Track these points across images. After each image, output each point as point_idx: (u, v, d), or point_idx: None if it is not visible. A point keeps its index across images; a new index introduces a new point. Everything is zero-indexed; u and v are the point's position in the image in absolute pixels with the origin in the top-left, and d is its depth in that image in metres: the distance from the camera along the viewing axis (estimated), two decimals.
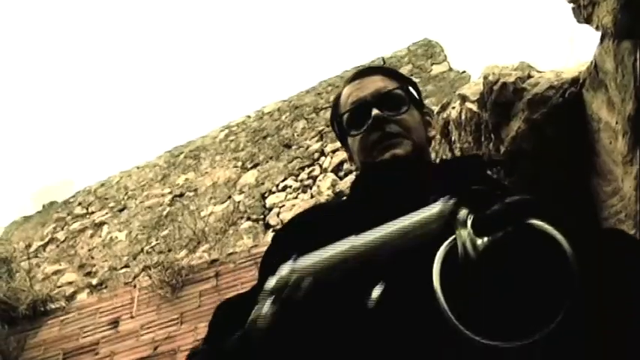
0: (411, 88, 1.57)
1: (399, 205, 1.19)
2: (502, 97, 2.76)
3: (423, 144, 1.50)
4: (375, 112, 1.43)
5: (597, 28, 2.26)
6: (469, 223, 0.91)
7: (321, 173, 6.82)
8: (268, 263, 1.28)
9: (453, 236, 0.92)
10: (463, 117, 3.24)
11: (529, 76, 2.77)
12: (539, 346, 0.84)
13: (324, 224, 1.26)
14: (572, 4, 2.39)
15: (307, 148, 7.23)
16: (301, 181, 6.96)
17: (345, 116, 1.53)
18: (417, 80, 7.54)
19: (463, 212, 0.93)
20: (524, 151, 2.70)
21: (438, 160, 3.99)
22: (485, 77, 2.87)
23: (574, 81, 2.58)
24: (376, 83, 1.52)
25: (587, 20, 2.30)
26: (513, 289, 0.90)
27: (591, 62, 2.42)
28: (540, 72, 2.87)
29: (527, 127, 2.66)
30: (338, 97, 1.63)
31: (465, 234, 0.90)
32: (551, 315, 0.84)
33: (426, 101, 6.72)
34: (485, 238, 0.89)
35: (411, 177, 1.36)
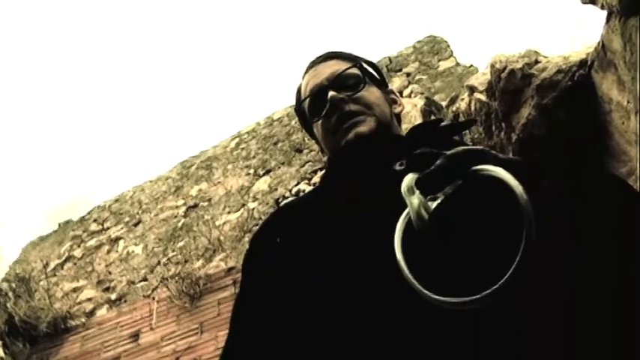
0: (367, 66, 1.55)
1: (372, 186, 1.18)
2: (510, 85, 2.74)
3: (388, 120, 1.45)
4: (331, 94, 1.40)
5: (602, 7, 2.23)
6: (414, 185, 0.88)
7: None
8: (256, 274, 1.23)
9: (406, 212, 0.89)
10: (472, 108, 3.22)
11: (536, 62, 2.74)
12: (500, 301, 0.78)
13: (317, 230, 1.18)
14: None
15: (318, 151, 7.21)
16: (314, 184, 6.94)
17: (305, 104, 1.51)
18: (424, 77, 7.55)
19: (409, 177, 0.90)
20: (535, 136, 2.68)
21: None
22: (493, 66, 2.85)
23: (582, 63, 2.55)
24: (331, 67, 1.50)
25: (592, 0, 2.28)
26: (474, 244, 0.87)
27: (598, 43, 2.40)
28: (547, 57, 2.84)
29: (537, 113, 2.63)
30: (299, 89, 1.60)
31: (415, 200, 0.86)
32: (504, 268, 0.79)
33: (435, 97, 6.71)
34: (437, 200, 0.85)
35: (379, 153, 1.31)
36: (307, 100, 1.50)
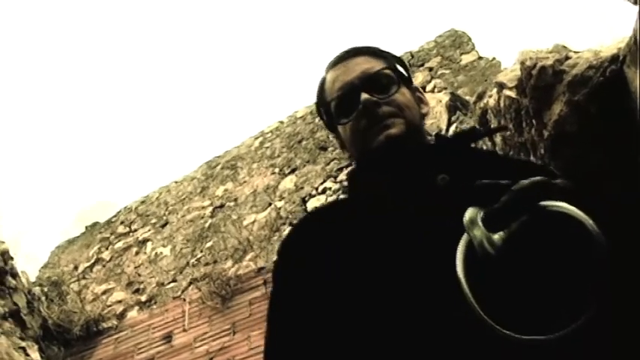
0: (398, 66, 1.50)
1: (411, 194, 1.18)
2: (541, 81, 2.73)
3: (417, 122, 1.42)
4: (364, 96, 1.35)
5: (635, 2, 2.22)
6: (480, 222, 0.87)
7: None
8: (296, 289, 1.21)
9: (465, 235, 0.88)
10: (502, 104, 3.21)
11: (567, 58, 2.73)
12: (571, 339, 0.79)
13: (356, 240, 1.17)
14: None
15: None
16: (340, 182, 6.94)
17: (333, 103, 1.45)
18: (447, 72, 7.53)
19: (471, 212, 0.89)
20: (568, 133, 2.67)
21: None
22: (523, 63, 2.84)
23: (614, 58, 2.53)
24: (362, 65, 1.45)
25: None
26: (542, 279, 0.86)
27: (630, 37, 2.38)
28: (577, 52, 2.83)
29: (569, 110, 2.62)
30: (322, 84, 1.54)
31: (478, 234, 0.86)
32: (583, 303, 0.79)
33: (459, 91, 6.69)
34: (502, 233, 0.84)
35: (409, 157, 1.31)
36: (335, 99, 1.45)
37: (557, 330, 0.79)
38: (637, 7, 2.25)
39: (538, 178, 0.89)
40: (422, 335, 0.96)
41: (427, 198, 1.13)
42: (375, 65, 1.44)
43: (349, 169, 6.49)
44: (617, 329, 0.87)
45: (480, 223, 0.87)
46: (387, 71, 1.44)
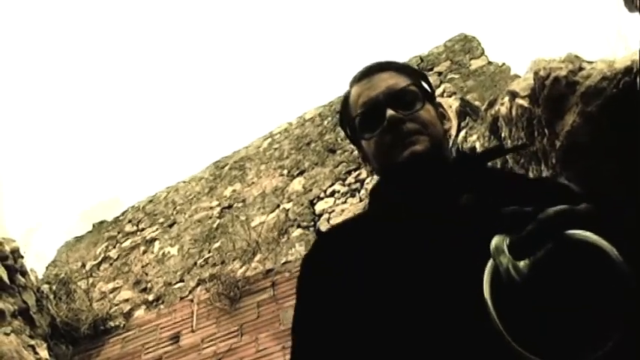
0: (423, 83, 1.51)
1: (435, 212, 1.20)
2: (555, 92, 2.74)
3: (441, 138, 1.43)
4: (389, 112, 1.36)
5: None
6: (505, 249, 0.89)
7: (368, 176, 6.81)
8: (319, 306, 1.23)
9: (491, 261, 0.90)
10: (514, 113, 3.22)
11: (580, 69, 2.75)
12: None
13: (378, 254, 1.19)
14: None
15: (352, 152, 7.22)
16: (349, 185, 6.96)
17: (358, 119, 1.46)
18: (456, 76, 7.54)
19: (498, 239, 0.91)
20: (580, 144, 2.68)
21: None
22: (536, 73, 2.86)
23: (627, 70, 2.55)
24: (387, 81, 1.45)
25: None
26: (566, 306, 0.87)
27: None
28: (591, 62, 2.85)
29: (582, 120, 2.64)
30: (346, 98, 1.55)
31: (505, 261, 0.87)
32: (608, 331, 0.81)
33: (468, 96, 6.70)
34: (527, 261, 0.87)
35: (433, 174, 1.33)
36: (360, 114, 1.46)
37: (582, 357, 0.81)
38: None
39: (563, 207, 0.90)
40: (446, 355, 0.99)
41: (452, 217, 1.15)
42: (400, 81, 1.46)
43: (372, 183, 6.52)
44: None
45: (507, 251, 0.88)
46: (412, 87, 1.45)
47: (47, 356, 5.29)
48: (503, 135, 3.54)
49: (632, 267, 0.82)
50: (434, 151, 1.37)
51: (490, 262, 0.91)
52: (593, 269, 0.85)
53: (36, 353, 5.15)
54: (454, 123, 4.92)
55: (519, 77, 6.60)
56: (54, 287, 6.54)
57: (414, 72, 1.57)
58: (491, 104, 3.89)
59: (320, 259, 1.33)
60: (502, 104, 3.53)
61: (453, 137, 5.04)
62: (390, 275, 1.12)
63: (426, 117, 1.41)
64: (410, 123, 1.38)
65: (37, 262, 9.37)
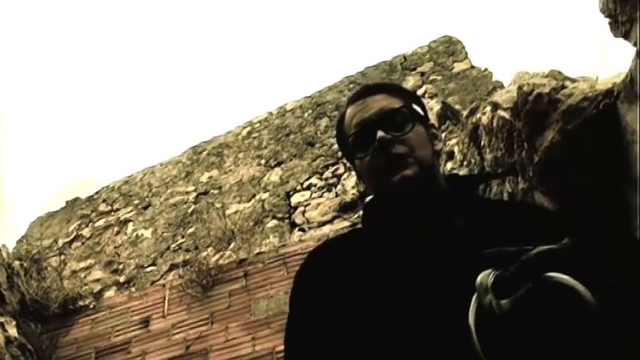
0: (415, 105, 1.58)
1: (425, 232, 1.26)
2: (536, 108, 2.80)
3: (431, 161, 1.49)
4: (380, 134, 1.43)
5: (635, 45, 2.30)
6: (489, 286, 0.95)
7: (345, 172, 6.85)
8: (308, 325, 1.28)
9: (476, 295, 0.97)
10: (495, 124, 3.28)
11: (563, 87, 2.80)
12: None
13: (366, 273, 1.26)
14: (608, 19, 2.43)
15: (330, 146, 7.26)
16: (326, 179, 6.99)
17: (351, 138, 1.53)
18: (439, 78, 7.60)
19: (482, 276, 0.97)
20: (557, 161, 2.74)
21: (464, 163, 4.04)
22: (520, 87, 2.91)
23: (608, 92, 2.61)
24: (379, 102, 1.52)
25: (625, 37, 2.34)
26: (545, 343, 0.93)
27: (626, 75, 2.46)
28: (574, 80, 2.91)
29: (561, 138, 2.69)
30: (342, 117, 1.62)
31: (488, 297, 0.94)
32: None
33: (449, 99, 6.76)
34: (509, 299, 0.93)
35: (424, 198, 1.39)
36: (353, 134, 1.53)
37: None
38: (635, 48, 2.32)
39: (543, 248, 0.96)
40: None
41: (441, 241, 1.21)
42: (392, 103, 1.53)
43: (350, 181, 6.56)
44: None
45: (490, 288, 0.95)
46: (403, 110, 1.51)
47: (16, 334, 5.27)
48: (482, 143, 3.59)
49: (606, 308, 0.89)
50: (424, 175, 1.43)
51: (475, 297, 0.97)
52: (569, 309, 0.91)
53: (5, 331, 5.13)
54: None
55: (500, 83, 6.68)
56: (25, 264, 6.49)
57: (407, 94, 1.64)
58: (472, 112, 3.94)
59: (312, 275, 1.38)
60: (484, 113, 3.58)
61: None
62: (378, 297, 1.18)
63: (416, 140, 1.48)
64: (400, 146, 1.44)
65: (10, 239, 9.31)
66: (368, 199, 1.57)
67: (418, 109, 1.60)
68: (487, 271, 0.97)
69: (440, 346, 1.05)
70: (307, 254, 1.47)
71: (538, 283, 0.93)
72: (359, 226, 1.64)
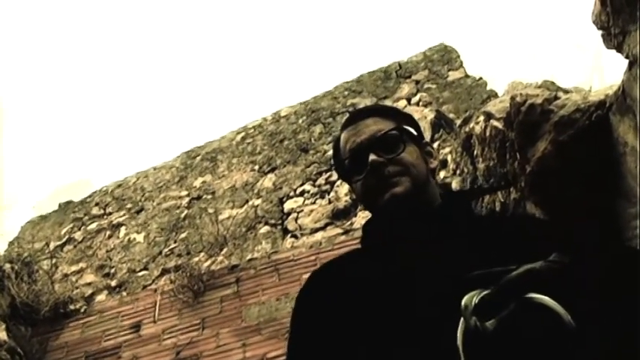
0: (407, 126, 1.61)
1: (416, 251, 1.28)
2: (529, 118, 2.81)
3: (424, 178, 1.53)
4: (371, 157, 1.47)
5: (627, 57, 2.31)
6: (472, 308, 0.96)
7: (338, 179, 6.84)
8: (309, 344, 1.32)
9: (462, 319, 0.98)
10: (488, 133, 3.29)
11: (555, 98, 2.82)
12: None
13: (365, 295, 1.28)
14: (601, 31, 2.44)
15: (324, 153, 7.26)
16: (319, 186, 6.98)
17: (346, 162, 1.58)
18: (433, 86, 7.60)
19: (467, 299, 0.98)
20: (549, 171, 2.75)
21: (457, 172, 4.04)
22: (513, 97, 2.92)
23: (601, 104, 2.62)
24: (370, 127, 1.56)
25: (618, 49, 2.35)
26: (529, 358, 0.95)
27: (619, 87, 2.47)
28: (567, 91, 2.92)
29: (553, 148, 2.71)
30: (337, 142, 1.67)
31: (472, 320, 0.95)
32: None
33: (443, 107, 6.78)
34: (493, 320, 0.95)
35: (415, 215, 1.42)
36: (348, 159, 1.57)
37: None
38: (628, 60, 2.33)
39: (524, 269, 0.98)
40: None
41: (434, 261, 1.22)
42: (384, 126, 1.56)
43: (343, 188, 6.57)
44: None
45: (472, 310, 0.97)
46: (394, 132, 1.55)
47: (6, 337, 5.26)
48: (475, 153, 3.60)
49: (585, 330, 0.92)
50: (416, 192, 1.47)
51: (462, 320, 0.99)
52: (551, 330, 0.94)
53: None
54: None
55: (495, 92, 6.70)
56: (16, 267, 6.47)
57: (399, 115, 1.68)
58: (466, 121, 3.96)
59: (312, 295, 1.43)
60: (477, 123, 3.59)
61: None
62: (371, 319, 1.21)
63: (408, 159, 1.51)
64: (392, 166, 1.48)
65: (1, 241, 9.27)
66: (366, 220, 1.61)
67: (410, 129, 1.63)
68: (472, 293, 0.99)
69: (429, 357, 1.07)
70: (311, 274, 1.51)
71: (520, 303, 0.95)
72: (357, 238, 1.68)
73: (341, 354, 1.20)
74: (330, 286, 1.37)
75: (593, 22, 2.47)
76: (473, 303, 0.97)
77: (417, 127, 1.67)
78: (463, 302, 0.98)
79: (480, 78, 7.40)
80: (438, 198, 1.56)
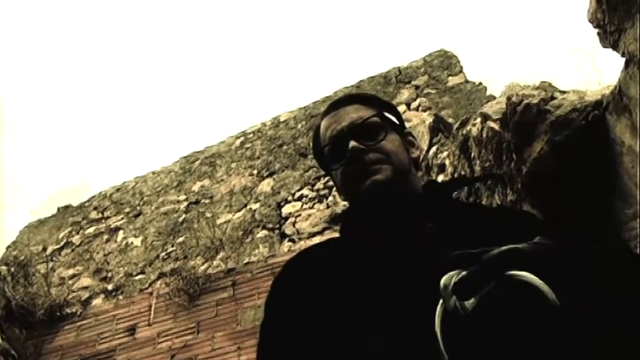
0: (387, 114, 1.57)
1: (398, 240, 1.24)
2: (525, 118, 2.78)
3: (405, 166, 1.48)
4: (352, 144, 1.42)
5: (623, 55, 2.28)
6: (451, 288, 0.93)
7: None
8: (281, 330, 1.28)
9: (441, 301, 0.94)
10: (484, 135, 3.26)
11: (552, 98, 2.79)
12: None
13: (340, 284, 1.23)
14: (597, 30, 2.42)
15: None
16: (317, 190, 6.97)
17: (326, 150, 1.53)
18: (433, 91, 7.59)
19: (445, 279, 0.94)
20: (545, 172, 2.73)
21: (455, 175, 4.02)
22: (509, 98, 2.90)
23: (597, 104, 2.60)
24: (351, 114, 1.52)
25: (614, 46, 2.33)
26: (509, 340, 0.91)
27: (615, 86, 2.45)
28: (564, 92, 2.89)
29: (549, 149, 2.68)
30: (317, 130, 1.62)
31: (452, 300, 0.92)
32: None
33: (443, 112, 6.76)
34: (473, 299, 0.91)
35: (395, 202, 1.38)
36: (328, 146, 1.52)
37: None
38: (624, 58, 2.31)
39: (506, 248, 0.94)
40: None
41: (414, 245, 1.19)
42: (364, 114, 1.52)
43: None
44: None
45: (451, 290, 0.93)
46: (375, 119, 1.50)
47: (0, 340, 5.23)
48: (472, 155, 3.58)
49: (568, 306, 0.87)
50: (397, 180, 1.42)
51: (441, 302, 0.95)
52: (533, 309, 0.89)
53: None
54: (424, 147, 4.97)
55: (494, 97, 6.68)
56: (12, 269, 6.45)
57: (380, 103, 1.63)
58: (463, 124, 3.93)
59: (289, 281, 1.37)
60: (474, 125, 3.57)
61: (423, 152, 5.08)
62: (348, 305, 1.16)
63: (389, 147, 1.46)
64: (372, 153, 1.43)
65: (0, 245, 9.26)
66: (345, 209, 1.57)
67: (392, 117, 1.59)
68: (451, 273, 0.95)
69: (409, 352, 1.03)
70: (286, 261, 1.46)
71: (501, 282, 0.91)
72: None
73: (318, 341, 1.16)
74: (308, 274, 1.32)
75: (589, 21, 2.45)
76: (452, 282, 0.93)
77: (398, 116, 1.63)
78: (442, 282, 0.94)
79: (480, 83, 7.39)
80: (419, 188, 1.51)
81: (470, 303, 0.90)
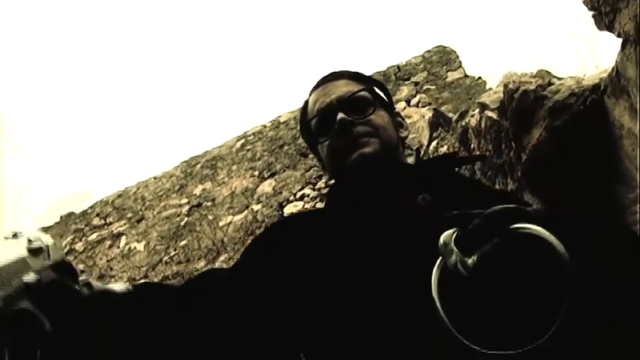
0: (377, 89, 1.55)
1: (386, 210, 1.20)
2: (523, 105, 2.76)
3: (394, 143, 1.45)
4: (340, 115, 1.39)
5: (619, 36, 2.26)
6: (453, 245, 0.89)
7: None
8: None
9: (440, 258, 0.91)
10: (483, 125, 3.24)
11: (549, 84, 2.77)
12: (538, 354, 0.81)
13: (315, 254, 1.20)
14: (592, 12, 2.39)
15: None
16: (319, 189, 6.95)
17: (313, 122, 1.50)
18: (432, 87, 7.57)
19: (445, 236, 0.90)
20: (545, 158, 2.70)
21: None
22: (506, 85, 2.87)
23: (595, 88, 2.57)
24: (340, 88, 1.49)
25: (609, 28, 2.30)
26: (512, 297, 0.87)
27: (612, 69, 2.42)
28: (560, 79, 2.87)
29: (548, 135, 2.65)
30: (305, 105, 1.59)
31: (452, 257, 0.88)
32: (550, 321, 0.82)
33: (442, 108, 6.73)
34: (474, 256, 0.87)
35: (381, 176, 1.33)
36: (315, 119, 1.49)
37: (524, 346, 0.82)
38: (620, 39, 2.28)
39: (510, 205, 0.90)
40: (394, 351, 1.00)
41: (406, 216, 1.15)
42: (354, 88, 1.49)
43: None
44: (579, 348, 0.89)
45: (454, 247, 0.88)
46: (364, 93, 1.48)
47: None
48: (472, 146, 3.55)
49: (576, 259, 0.83)
50: (385, 154, 1.39)
51: (439, 260, 0.91)
52: (538, 261, 0.86)
53: None
54: (424, 142, 4.94)
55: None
56: None
57: (369, 79, 1.59)
58: (462, 116, 3.91)
59: (265, 246, 1.33)
60: (472, 116, 3.55)
61: (424, 147, 5.05)
62: (334, 275, 1.13)
63: (377, 121, 1.43)
64: (361, 126, 1.40)
65: None
66: (331, 184, 1.53)
67: (382, 94, 1.56)
68: (450, 231, 0.91)
69: (404, 320, 1.00)
70: (270, 224, 1.44)
71: (505, 236, 0.87)
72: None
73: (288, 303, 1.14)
74: (289, 241, 1.27)
75: (584, 3, 2.42)
76: (453, 239, 0.89)
77: (388, 95, 1.60)
78: (441, 240, 0.90)
79: (479, 77, 7.37)
80: (408, 165, 1.48)
81: (471, 260, 0.87)
